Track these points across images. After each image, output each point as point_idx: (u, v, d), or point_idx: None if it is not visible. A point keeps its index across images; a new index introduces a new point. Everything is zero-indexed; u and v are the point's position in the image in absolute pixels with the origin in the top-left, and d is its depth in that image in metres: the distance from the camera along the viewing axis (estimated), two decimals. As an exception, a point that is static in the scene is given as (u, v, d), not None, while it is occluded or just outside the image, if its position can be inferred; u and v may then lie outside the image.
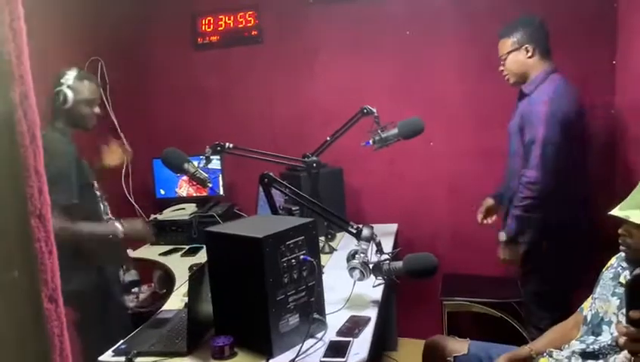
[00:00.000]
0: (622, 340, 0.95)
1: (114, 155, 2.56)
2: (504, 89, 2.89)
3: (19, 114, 0.71)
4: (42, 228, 0.75)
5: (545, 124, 2.18)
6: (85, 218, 2.17)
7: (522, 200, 2.23)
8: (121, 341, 1.79)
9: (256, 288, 1.57)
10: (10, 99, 0.68)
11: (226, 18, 3.31)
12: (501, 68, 2.43)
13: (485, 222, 2.61)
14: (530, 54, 2.31)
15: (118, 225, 2.21)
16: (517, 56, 2.33)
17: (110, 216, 2.39)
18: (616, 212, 1.52)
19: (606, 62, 2.75)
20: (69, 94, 2.20)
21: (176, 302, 2.19)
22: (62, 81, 2.22)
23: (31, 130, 0.73)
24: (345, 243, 2.72)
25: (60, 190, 2.04)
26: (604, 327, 1.56)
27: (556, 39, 2.43)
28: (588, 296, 1.74)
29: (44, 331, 0.72)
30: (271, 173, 2.09)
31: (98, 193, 2.34)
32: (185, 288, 2.25)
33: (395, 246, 2.77)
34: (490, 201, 2.61)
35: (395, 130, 2.53)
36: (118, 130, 3.41)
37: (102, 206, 2.35)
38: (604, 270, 1.70)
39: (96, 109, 2.31)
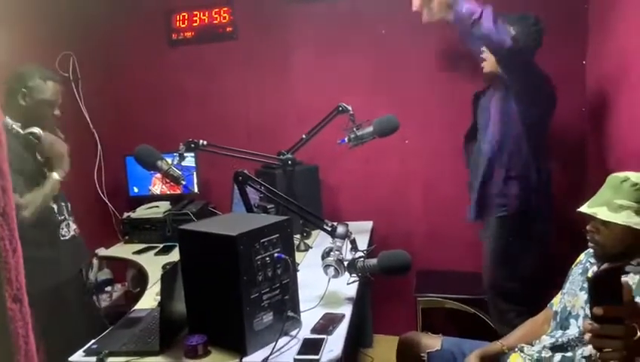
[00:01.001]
0: (587, 336, 0.97)
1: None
2: (476, 87, 2.95)
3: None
4: (6, 226, 0.73)
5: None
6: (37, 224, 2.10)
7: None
8: (92, 341, 1.76)
9: (231, 286, 1.56)
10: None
11: (201, 14, 3.27)
12: (484, 55, 2.42)
13: None
14: None
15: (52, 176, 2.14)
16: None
17: (66, 216, 2.32)
18: (584, 209, 1.55)
19: (577, 63, 2.81)
20: (30, 94, 2.14)
21: (149, 301, 2.17)
22: (25, 78, 2.16)
23: (-7, 127, 0.71)
24: (320, 240, 2.73)
25: None
26: (572, 321, 1.60)
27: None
28: (551, 288, 1.79)
29: (7, 332, 0.70)
30: (245, 171, 2.08)
31: None
32: (158, 287, 2.23)
33: (370, 244, 2.78)
34: None
35: (370, 128, 2.54)
36: (90, 126, 3.35)
37: (56, 205, 2.26)
38: (573, 266, 1.74)
39: (57, 111, 2.25)
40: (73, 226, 2.36)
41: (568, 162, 2.87)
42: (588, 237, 1.58)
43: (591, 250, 1.62)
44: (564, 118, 2.79)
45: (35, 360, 0.75)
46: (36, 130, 2.12)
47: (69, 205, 2.38)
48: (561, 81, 2.80)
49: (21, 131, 2.11)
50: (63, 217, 2.31)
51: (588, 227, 1.58)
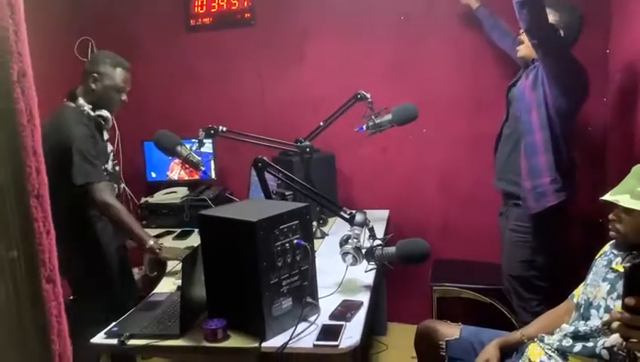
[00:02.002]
0: (615, 324, 0.97)
1: None
2: (498, 76, 2.92)
3: (17, 91, 0.70)
4: (40, 208, 0.74)
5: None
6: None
7: None
8: (113, 323, 1.79)
9: (250, 272, 1.58)
10: (8, 77, 0.66)
11: (219, 0, 3.26)
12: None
13: None
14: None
15: (150, 240, 2.26)
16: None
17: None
18: (607, 197, 1.54)
19: (599, 51, 2.76)
20: (101, 79, 2.28)
21: (168, 284, 2.19)
22: (97, 63, 2.30)
23: (29, 108, 0.72)
24: (337, 228, 2.73)
25: (92, 168, 2.14)
26: (593, 312, 1.58)
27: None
28: (573, 276, 1.77)
29: (42, 311, 0.72)
30: (265, 158, 2.09)
31: (105, 173, 2.33)
32: (177, 271, 2.25)
33: (386, 232, 2.78)
34: None
35: (388, 116, 2.53)
36: (109, 111, 3.37)
37: (116, 186, 2.41)
38: (597, 257, 1.72)
39: (124, 96, 2.38)
40: None
41: (589, 152, 2.83)
42: (610, 226, 1.57)
43: (614, 241, 1.61)
44: (586, 107, 2.74)
45: (67, 340, 0.77)
46: (105, 112, 2.30)
47: (121, 187, 2.53)
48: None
49: (92, 113, 2.27)
50: None
51: (610, 216, 1.56)
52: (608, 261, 1.62)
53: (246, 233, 1.57)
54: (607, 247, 1.69)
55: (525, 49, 2.38)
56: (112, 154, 2.47)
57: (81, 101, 2.28)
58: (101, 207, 2.18)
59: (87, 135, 2.20)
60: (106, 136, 2.41)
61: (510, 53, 2.68)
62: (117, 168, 2.51)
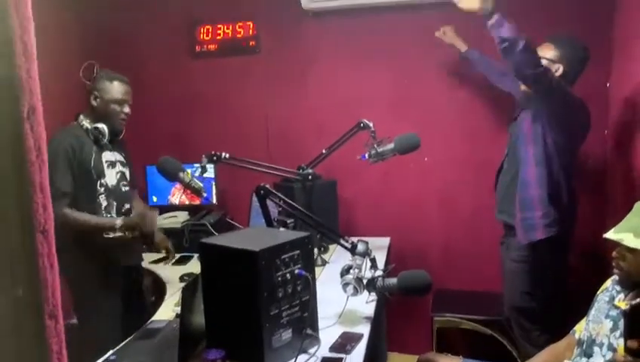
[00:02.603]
0: (618, 368, 0.96)
1: None
2: (498, 105, 2.94)
3: (26, 128, 0.70)
4: (45, 244, 0.74)
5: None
6: (80, 209, 2.27)
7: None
8: (111, 351, 1.77)
9: (251, 302, 1.56)
10: (19, 113, 0.67)
11: (225, 27, 3.31)
12: None
13: None
14: (557, 73, 2.32)
15: (116, 220, 2.27)
16: (547, 66, 2.29)
17: (113, 215, 2.40)
18: (610, 235, 1.53)
19: (600, 85, 2.79)
20: (100, 95, 2.35)
21: (167, 311, 2.17)
22: (96, 81, 2.39)
23: (37, 144, 0.73)
24: (338, 255, 2.72)
25: (54, 178, 2.12)
26: (595, 349, 1.57)
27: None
28: (574, 310, 1.76)
29: (44, 348, 0.71)
30: (267, 185, 2.09)
31: (102, 188, 2.36)
32: (176, 298, 2.24)
33: (387, 261, 2.77)
34: None
35: (391, 145, 2.54)
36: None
37: (104, 202, 2.37)
38: (599, 292, 1.71)
39: (126, 109, 2.42)
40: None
41: (590, 185, 2.84)
42: (613, 264, 1.56)
43: (616, 277, 1.60)
44: (586, 140, 2.76)
45: (66, 377, 0.76)
46: (100, 125, 2.35)
47: (127, 207, 2.48)
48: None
49: (89, 126, 2.35)
50: (109, 215, 2.38)
51: (614, 253, 1.55)
52: (610, 297, 1.61)
53: (247, 263, 1.56)
54: (609, 283, 1.68)
55: (524, 85, 2.38)
56: (118, 174, 2.46)
57: (81, 117, 2.37)
58: (56, 221, 2.13)
59: (62, 145, 2.23)
60: (110, 155, 2.43)
61: (512, 92, 2.68)
62: (125, 188, 2.49)
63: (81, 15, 3.22)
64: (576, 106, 2.30)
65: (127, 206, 2.48)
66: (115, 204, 2.41)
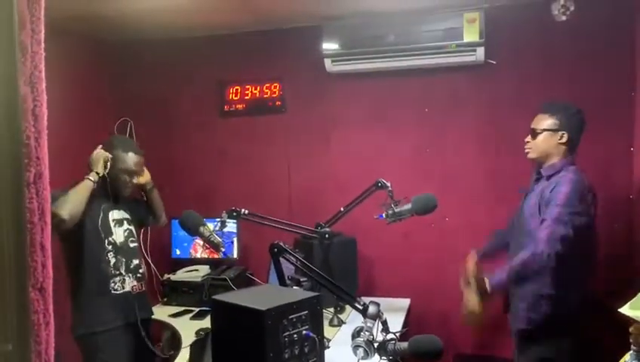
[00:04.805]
0: None
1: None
2: (519, 166, 2.93)
3: (31, 192, 0.76)
4: (42, 301, 0.78)
5: (562, 206, 2.20)
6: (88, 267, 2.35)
7: (521, 265, 2.21)
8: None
9: (257, 361, 1.56)
10: (22, 179, 0.73)
11: (252, 88, 3.44)
12: (528, 139, 2.41)
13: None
14: (562, 141, 2.34)
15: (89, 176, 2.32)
16: (551, 137, 2.34)
17: (122, 272, 2.44)
18: (626, 310, 1.48)
19: (624, 149, 2.76)
20: (113, 161, 2.38)
21: (179, 367, 2.18)
22: (111, 146, 2.42)
23: (41, 207, 0.78)
24: (354, 316, 2.68)
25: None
26: None
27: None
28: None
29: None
30: (281, 243, 2.12)
31: (110, 246, 2.42)
32: (188, 353, 2.24)
33: (405, 323, 2.72)
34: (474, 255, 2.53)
35: (408, 206, 2.55)
36: (142, 188, 3.51)
37: (113, 259, 2.42)
38: (617, 365, 1.64)
39: (135, 180, 2.49)
40: (132, 283, 2.48)
41: (615, 253, 2.76)
42: (631, 340, 1.50)
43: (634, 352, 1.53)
44: (612, 206, 2.71)
45: None
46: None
47: (135, 263, 2.52)
48: (607, 167, 2.77)
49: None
50: (117, 272, 2.44)
51: (631, 329, 1.50)
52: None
53: (254, 321, 1.56)
54: (627, 357, 1.61)
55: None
56: (126, 231, 2.52)
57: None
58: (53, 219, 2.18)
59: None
60: (117, 214, 2.49)
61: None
62: (133, 245, 2.54)
63: (116, 74, 3.43)
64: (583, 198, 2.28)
65: (135, 261, 2.53)
66: (123, 260, 2.46)
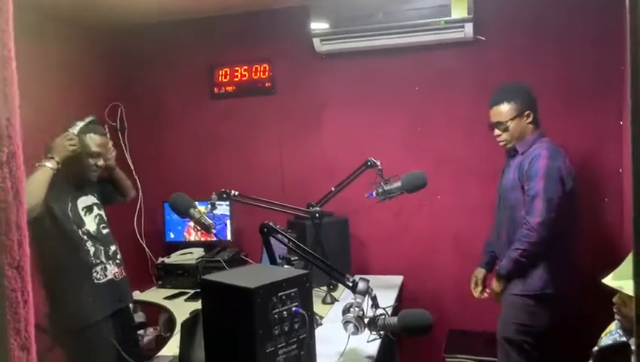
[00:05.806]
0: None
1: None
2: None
3: (4, 171, 0.76)
4: (19, 279, 0.79)
5: (544, 179, 2.30)
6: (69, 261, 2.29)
7: (522, 244, 2.31)
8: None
9: (246, 339, 1.58)
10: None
11: (242, 70, 3.43)
12: (498, 132, 2.49)
13: (483, 296, 2.63)
14: (529, 120, 2.43)
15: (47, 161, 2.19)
16: (520, 121, 2.44)
17: (103, 260, 2.40)
18: (609, 281, 1.50)
19: (614, 123, 2.76)
20: (73, 147, 2.26)
21: (173, 347, 2.20)
22: (69, 130, 2.32)
23: (15, 187, 0.78)
24: (348, 293, 2.68)
25: None
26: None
27: (568, 103, 2.65)
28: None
29: (13, 379, 0.75)
30: (271, 223, 2.13)
31: (85, 236, 2.36)
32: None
33: (398, 299, 2.74)
34: (482, 272, 2.67)
35: (398, 184, 2.55)
36: (133, 172, 3.51)
37: (92, 248, 2.37)
38: (602, 335, 1.67)
39: (100, 162, 2.39)
40: (113, 270, 2.43)
41: (604, 224, 2.78)
42: (615, 310, 1.52)
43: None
44: (600, 179, 2.73)
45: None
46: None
47: (113, 249, 2.47)
48: (597, 141, 2.78)
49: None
50: (98, 261, 2.39)
51: (615, 299, 1.52)
52: (614, 341, 1.56)
53: (243, 299, 1.58)
54: (612, 326, 1.63)
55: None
56: (97, 218, 2.45)
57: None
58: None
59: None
60: (85, 200, 2.42)
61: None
62: (105, 231, 2.48)
63: (105, 58, 3.40)
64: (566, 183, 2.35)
65: (113, 247, 2.47)
66: (102, 248, 2.41)
